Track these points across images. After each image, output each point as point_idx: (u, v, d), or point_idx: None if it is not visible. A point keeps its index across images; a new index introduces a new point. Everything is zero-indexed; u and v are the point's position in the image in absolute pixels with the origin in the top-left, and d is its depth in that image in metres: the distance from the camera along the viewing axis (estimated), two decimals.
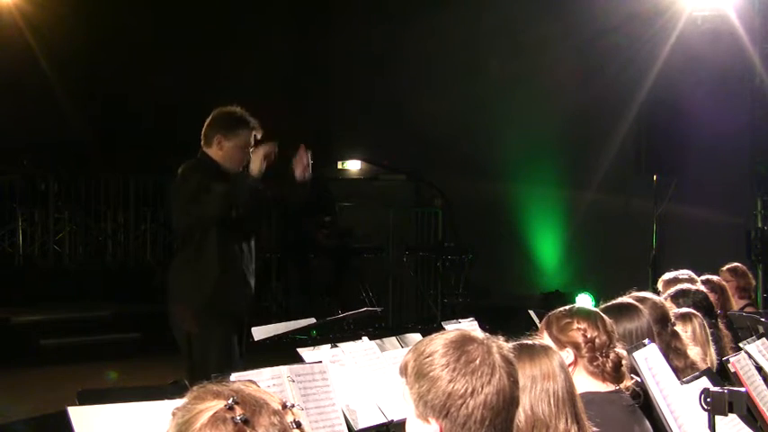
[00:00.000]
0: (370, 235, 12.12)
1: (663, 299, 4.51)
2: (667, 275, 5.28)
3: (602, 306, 3.37)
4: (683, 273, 5.22)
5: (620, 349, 2.87)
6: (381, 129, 13.16)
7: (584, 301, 10.33)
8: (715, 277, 5.48)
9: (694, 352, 3.70)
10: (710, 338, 3.96)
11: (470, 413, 1.92)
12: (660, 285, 5.29)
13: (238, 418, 1.55)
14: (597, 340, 2.82)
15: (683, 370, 3.41)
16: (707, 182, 10.27)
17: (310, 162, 4.88)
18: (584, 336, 2.82)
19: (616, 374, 2.83)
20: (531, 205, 12.36)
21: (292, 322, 4.87)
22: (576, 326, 2.84)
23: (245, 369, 3.26)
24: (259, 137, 4.90)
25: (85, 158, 12.30)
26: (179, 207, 4.89)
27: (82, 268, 11.38)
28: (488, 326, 2.54)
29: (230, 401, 1.57)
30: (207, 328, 4.71)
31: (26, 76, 11.49)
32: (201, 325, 4.71)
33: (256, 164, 4.68)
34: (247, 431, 1.55)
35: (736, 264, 6.31)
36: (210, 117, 4.89)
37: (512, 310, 7.66)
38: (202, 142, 4.88)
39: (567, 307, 2.93)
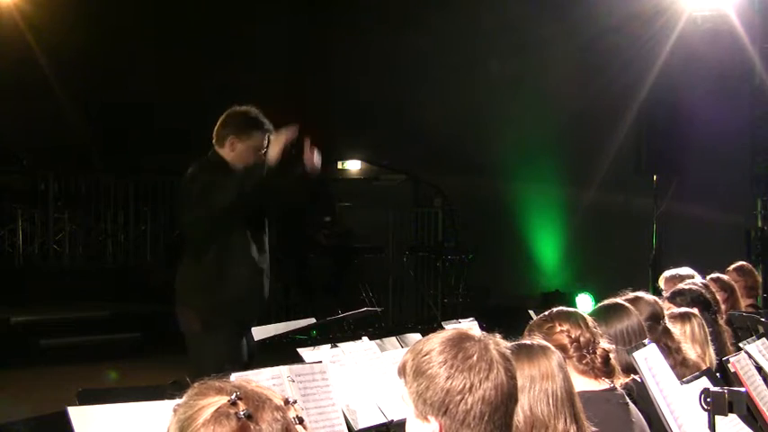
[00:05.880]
0: (370, 235, 12.12)
1: (661, 299, 4.53)
2: (668, 272, 5.30)
3: (593, 309, 3.40)
4: (685, 270, 5.24)
5: (606, 344, 2.88)
6: (381, 129, 13.16)
7: (585, 301, 10.35)
8: (724, 276, 5.49)
9: (687, 347, 3.71)
10: (710, 338, 3.97)
11: (469, 409, 1.92)
12: (661, 282, 5.31)
13: (242, 413, 1.54)
14: (582, 338, 2.83)
15: (674, 367, 3.42)
16: (707, 182, 10.27)
17: (318, 156, 4.74)
18: (569, 336, 2.83)
19: (606, 369, 2.85)
20: (531, 205, 12.36)
21: (292, 322, 4.88)
22: (558, 328, 2.85)
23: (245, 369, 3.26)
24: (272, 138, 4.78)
25: (85, 158, 12.31)
26: (187, 207, 4.78)
27: (82, 268, 11.38)
28: (489, 326, 2.54)
29: (233, 397, 1.56)
30: (212, 330, 4.65)
31: (26, 76, 11.49)
32: (206, 327, 4.67)
33: (275, 150, 4.56)
34: (251, 426, 1.54)
35: (742, 263, 6.32)
36: (224, 116, 4.78)
37: (512, 310, 7.65)
38: (214, 140, 4.76)
39: (545, 312, 2.94)
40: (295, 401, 1.64)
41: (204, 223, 4.67)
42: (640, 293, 3.74)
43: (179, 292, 4.81)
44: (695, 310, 4.21)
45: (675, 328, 3.77)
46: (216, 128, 4.78)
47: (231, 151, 4.72)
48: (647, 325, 3.43)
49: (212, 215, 4.60)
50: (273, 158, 4.55)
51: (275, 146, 4.58)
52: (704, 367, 3.61)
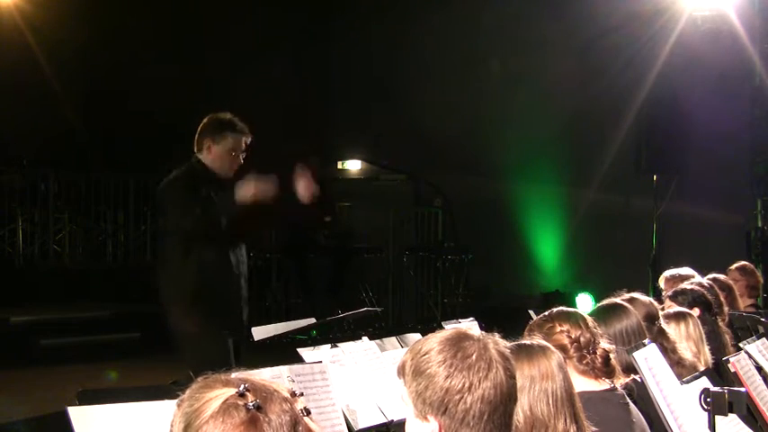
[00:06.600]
0: (370, 235, 12.12)
1: (663, 298, 4.53)
2: (668, 272, 5.30)
3: (592, 309, 3.39)
4: (685, 270, 5.24)
5: (606, 344, 2.88)
6: (381, 129, 13.16)
7: (585, 301, 10.35)
8: (722, 276, 5.49)
9: (683, 347, 3.72)
10: (704, 337, 3.96)
11: (469, 408, 1.92)
12: (662, 282, 5.31)
13: (251, 404, 1.52)
14: (582, 339, 2.83)
15: (670, 367, 3.43)
16: (707, 182, 10.27)
17: (312, 182, 4.96)
18: (569, 336, 2.83)
19: (607, 369, 2.85)
20: (531, 205, 12.36)
21: (292, 322, 4.88)
22: (558, 328, 2.84)
23: (245, 369, 3.26)
24: (249, 142, 4.97)
25: (85, 158, 12.31)
26: (166, 216, 4.98)
27: (82, 268, 11.38)
28: (489, 326, 2.54)
29: (241, 388, 1.55)
30: (200, 327, 4.72)
31: (26, 76, 11.48)
32: (195, 324, 4.72)
33: (243, 192, 4.76)
34: (260, 418, 1.52)
35: (744, 262, 6.33)
36: (202, 123, 4.98)
37: (512, 310, 7.65)
38: (195, 148, 4.97)
39: (545, 312, 2.93)
40: (302, 394, 1.63)
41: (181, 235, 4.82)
42: (635, 294, 3.74)
43: (164, 294, 4.88)
44: (694, 311, 4.22)
45: (670, 328, 3.77)
46: (196, 135, 4.98)
47: (209, 154, 4.92)
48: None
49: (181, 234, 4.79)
50: (242, 198, 4.75)
51: (246, 188, 4.77)
52: (701, 367, 3.61)
